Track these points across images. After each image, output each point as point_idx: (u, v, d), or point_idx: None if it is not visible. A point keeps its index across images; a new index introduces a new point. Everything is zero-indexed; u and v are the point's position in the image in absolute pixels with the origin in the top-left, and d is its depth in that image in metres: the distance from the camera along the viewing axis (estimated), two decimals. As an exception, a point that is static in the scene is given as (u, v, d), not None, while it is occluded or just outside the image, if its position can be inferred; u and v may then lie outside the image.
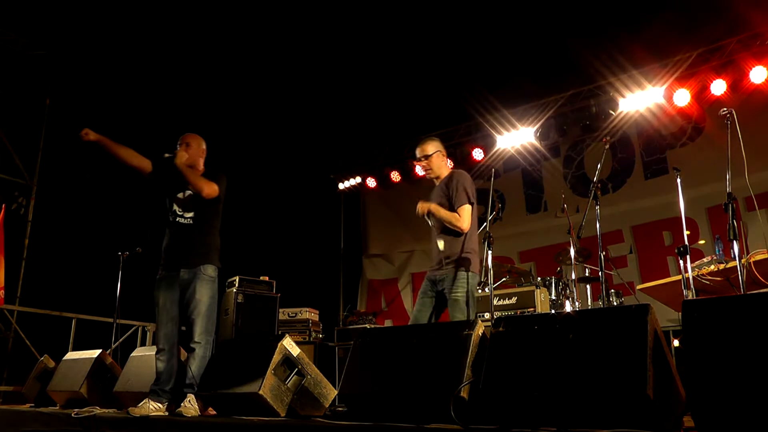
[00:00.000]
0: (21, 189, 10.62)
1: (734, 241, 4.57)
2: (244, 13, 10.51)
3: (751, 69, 9.09)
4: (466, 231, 5.23)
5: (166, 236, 5.37)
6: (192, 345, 4.91)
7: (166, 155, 5.32)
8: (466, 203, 5.28)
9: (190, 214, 5.31)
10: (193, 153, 5.43)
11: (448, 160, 6.23)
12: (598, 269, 5.79)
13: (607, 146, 6.23)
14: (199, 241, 5.23)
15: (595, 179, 5.93)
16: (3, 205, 8.89)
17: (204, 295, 5.04)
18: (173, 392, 4.96)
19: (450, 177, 5.49)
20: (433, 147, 5.62)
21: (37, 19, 10.22)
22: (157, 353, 5.09)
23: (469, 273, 5.17)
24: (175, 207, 5.36)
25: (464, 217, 5.25)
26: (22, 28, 10.40)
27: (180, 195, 5.37)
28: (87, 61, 10.78)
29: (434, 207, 5.42)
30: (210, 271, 5.14)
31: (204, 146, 5.59)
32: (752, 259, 5.37)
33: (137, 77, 10.88)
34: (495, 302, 7.71)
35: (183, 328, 5.10)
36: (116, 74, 10.83)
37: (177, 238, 5.28)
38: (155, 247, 5.60)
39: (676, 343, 7.31)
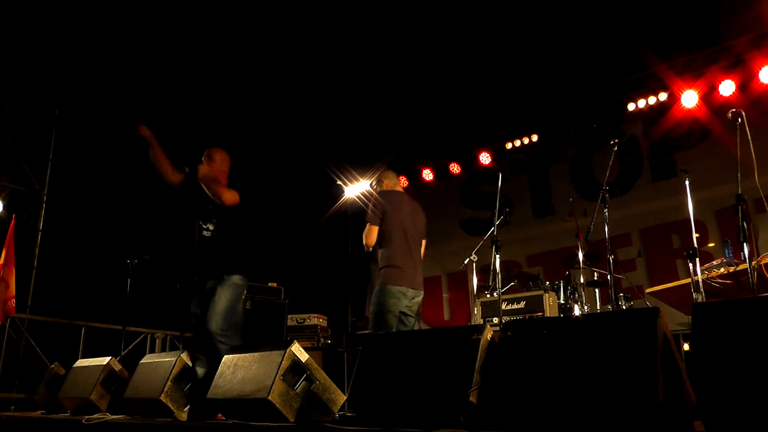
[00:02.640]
0: (31, 199, 10.65)
1: (744, 244, 4.55)
2: (253, 22, 10.54)
3: (760, 69, 9.04)
4: (367, 249, 5.63)
5: (195, 249, 5.42)
6: (201, 346, 5.08)
7: (186, 169, 5.39)
8: (366, 222, 5.64)
9: (212, 227, 5.38)
10: (215, 167, 5.48)
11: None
12: (607, 273, 5.77)
13: (615, 149, 6.21)
14: (223, 252, 5.29)
15: (603, 182, 5.92)
16: (13, 215, 8.92)
17: (222, 296, 5.12)
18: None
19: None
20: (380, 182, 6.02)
21: (45, 29, 10.26)
22: (194, 361, 5.20)
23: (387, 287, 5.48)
24: (200, 221, 5.42)
25: (365, 234, 5.63)
26: (31, 39, 10.44)
27: (203, 208, 5.43)
28: (95, 71, 10.81)
29: None
30: (236, 279, 5.22)
31: (228, 161, 5.65)
32: (762, 262, 5.33)
33: (146, 86, 10.91)
34: (503, 307, 7.70)
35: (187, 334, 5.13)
36: (124, 84, 10.86)
37: (203, 250, 5.36)
38: (177, 258, 5.67)
39: (686, 346, 7.28)
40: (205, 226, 5.39)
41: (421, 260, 5.91)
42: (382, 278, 5.54)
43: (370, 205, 5.72)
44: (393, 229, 5.63)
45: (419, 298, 5.75)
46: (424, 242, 6.08)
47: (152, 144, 5.42)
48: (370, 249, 5.66)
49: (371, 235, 5.59)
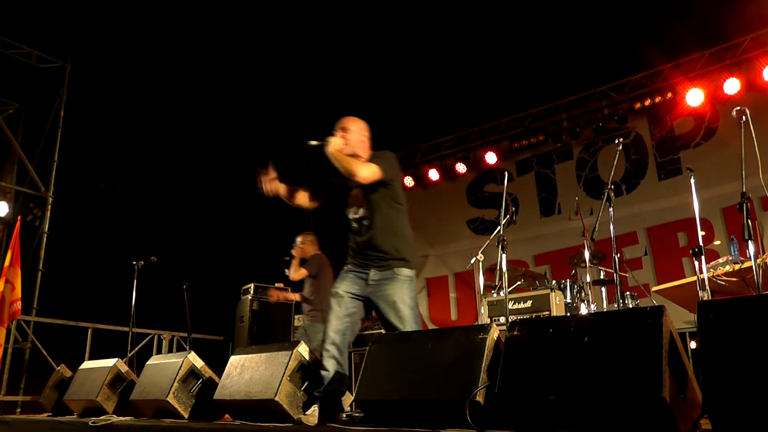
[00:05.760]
0: (36, 201, 10.69)
1: (749, 241, 4.54)
2: (250, 21, 10.56)
3: (764, 67, 9.03)
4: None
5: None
6: None
7: (313, 143, 4.55)
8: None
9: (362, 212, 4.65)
10: (352, 139, 4.65)
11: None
12: (613, 271, 5.77)
13: (620, 147, 6.20)
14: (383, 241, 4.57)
15: (608, 181, 5.92)
16: (18, 217, 8.94)
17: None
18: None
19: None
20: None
21: (50, 32, 10.30)
22: None
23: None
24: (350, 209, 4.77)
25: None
26: (35, 41, 10.48)
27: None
28: (100, 73, 10.84)
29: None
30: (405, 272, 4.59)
31: (367, 132, 4.80)
32: (768, 259, 5.33)
33: (151, 87, 10.94)
34: (510, 306, 7.69)
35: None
36: (130, 85, 10.89)
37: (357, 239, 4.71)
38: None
39: (692, 344, 7.27)
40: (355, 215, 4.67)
41: None
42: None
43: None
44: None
45: None
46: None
47: (277, 190, 4.83)
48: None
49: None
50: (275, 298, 8.12)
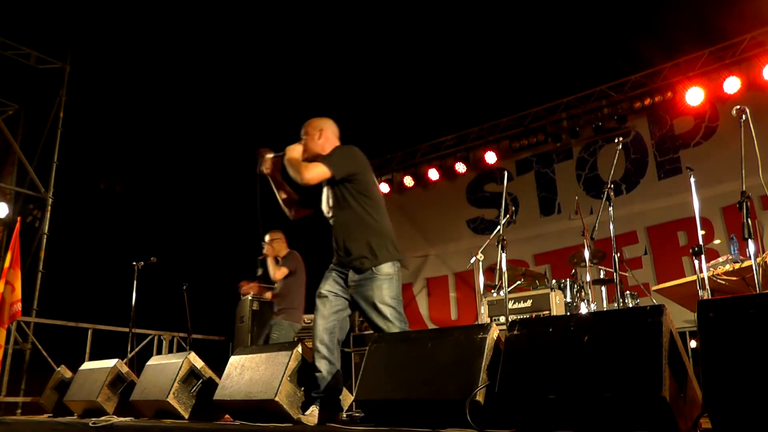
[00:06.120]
0: (36, 202, 10.69)
1: (749, 240, 4.53)
2: (251, 21, 10.55)
3: (764, 66, 9.02)
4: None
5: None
6: None
7: (273, 155, 4.53)
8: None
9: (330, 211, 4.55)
10: (311, 143, 4.53)
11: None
12: (613, 271, 5.76)
13: (620, 147, 6.20)
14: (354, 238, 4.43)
15: (608, 180, 5.91)
16: (18, 218, 8.94)
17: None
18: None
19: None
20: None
21: (49, 33, 10.30)
22: None
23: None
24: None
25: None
26: (34, 42, 10.48)
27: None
28: (100, 74, 10.85)
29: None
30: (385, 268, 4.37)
31: (330, 130, 4.64)
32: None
33: (150, 87, 10.94)
34: (510, 305, 7.68)
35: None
36: (129, 85, 10.89)
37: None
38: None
39: (692, 344, 7.26)
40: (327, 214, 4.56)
41: None
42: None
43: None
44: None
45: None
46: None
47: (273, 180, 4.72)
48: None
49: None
50: (247, 290, 7.90)
